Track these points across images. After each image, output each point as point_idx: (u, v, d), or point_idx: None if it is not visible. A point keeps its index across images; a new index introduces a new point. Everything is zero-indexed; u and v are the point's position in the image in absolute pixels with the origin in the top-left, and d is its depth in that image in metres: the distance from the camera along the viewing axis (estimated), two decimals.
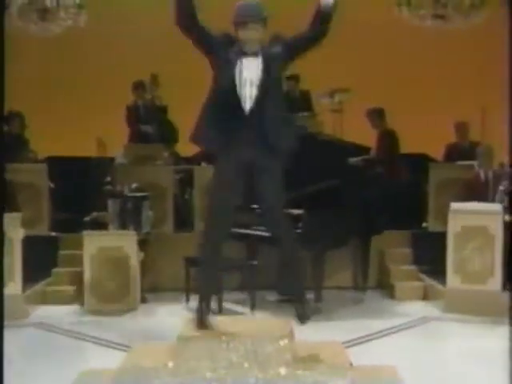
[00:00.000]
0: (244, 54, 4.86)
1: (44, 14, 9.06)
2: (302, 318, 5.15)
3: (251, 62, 4.86)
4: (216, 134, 4.85)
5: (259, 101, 4.82)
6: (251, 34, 4.84)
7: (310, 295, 7.45)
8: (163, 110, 10.64)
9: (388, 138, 9.67)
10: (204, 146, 5.18)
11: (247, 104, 4.83)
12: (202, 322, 4.97)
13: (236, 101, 4.83)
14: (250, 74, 4.84)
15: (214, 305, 7.43)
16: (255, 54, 4.87)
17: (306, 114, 10.22)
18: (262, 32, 4.88)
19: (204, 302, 5.07)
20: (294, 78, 10.64)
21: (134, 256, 7.77)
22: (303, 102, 10.66)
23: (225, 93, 4.85)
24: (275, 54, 4.88)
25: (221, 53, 4.86)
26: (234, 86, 4.82)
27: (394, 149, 9.64)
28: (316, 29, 4.87)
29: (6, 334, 6.62)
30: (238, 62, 4.84)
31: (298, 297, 5.28)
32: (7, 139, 9.91)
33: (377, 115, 9.76)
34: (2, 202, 6.28)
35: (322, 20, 4.84)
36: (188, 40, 4.86)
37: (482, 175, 8.25)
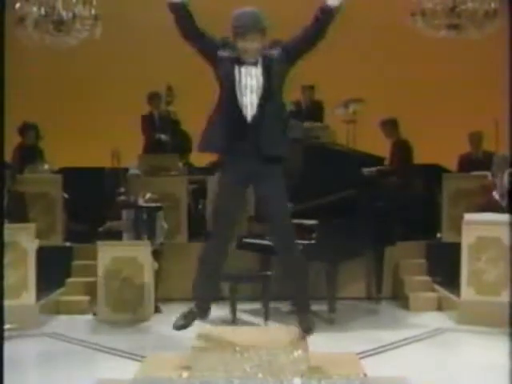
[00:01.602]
0: (243, 63, 4.82)
1: (60, 25, 9.10)
2: (307, 331, 5.01)
3: (251, 70, 4.82)
4: (220, 140, 4.84)
5: (260, 108, 4.81)
6: (250, 45, 4.77)
7: (323, 306, 7.46)
8: (177, 121, 10.68)
9: (401, 149, 9.67)
10: (209, 150, 5.08)
11: (248, 111, 4.82)
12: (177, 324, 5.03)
13: (238, 109, 4.81)
14: (250, 81, 4.81)
15: (227, 315, 7.46)
16: (254, 64, 4.83)
17: (317, 124, 10.23)
18: (261, 41, 4.81)
19: (199, 305, 5.09)
20: (309, 88, 10.66)
21: (148, 266, 7.79)
22: (315, 112, 10.68)
23: (227, 101, 4.84)
24: (275, 60, 4.83)
25: (222, 61, 4.83)
26: (235, 94, 4.80)
27: (407, 159, 9.64)
28: (315, 29, 4.78)
29: (20, 343, 6.69)
30: (237, 71, 4.81)
31: (303, 309, 5.14)
32: (22, 150, 9.99)
33: (390, 126, 9.76)
34: (2, 213, 6.31)
35: (324, 20, 4.74)
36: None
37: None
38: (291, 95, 10.47)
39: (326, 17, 4.75)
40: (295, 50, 4.85)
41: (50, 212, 8.97)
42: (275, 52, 4.86)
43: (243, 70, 4.82)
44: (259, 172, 4.87)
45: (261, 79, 4.82)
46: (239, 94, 4.80)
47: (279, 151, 4.89)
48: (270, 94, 4.83)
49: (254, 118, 4.81)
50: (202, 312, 5.10)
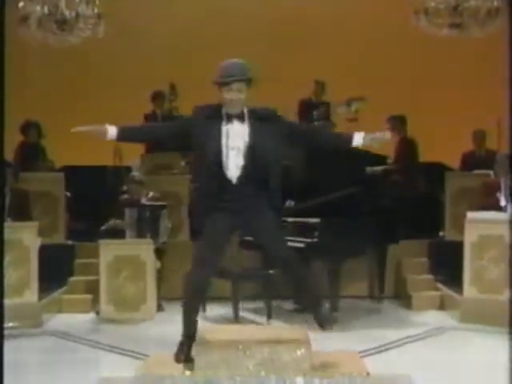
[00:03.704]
0: (229, 116, 4.84)
1: (63, 24, 9.09)
2: (323, 324, 5.15)
3: (237, 127, 4.84)
4: (206, 211, 4.98)
5: (246, 169, 4.84)
6: (236, 95, 4.80)
7: (326, 304, 7.45)
8: (180, 118, 10.66)
9: (407, 147, 9.65)
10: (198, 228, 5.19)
11: (233, 173, 4.84)
12: (180, 357, 5.02)
13: (222, 171, 4.83)
14: (236, 141, 4.82)
15: (230, 313, 7.46)
16: (241, 117, 4.85)
17: (323, 123, 10.24)
18: (246, 93, 4.85)
19: (186, 339, 5.09)
20: (320, 85, 10.62)
21: (151, 264, 7.78)
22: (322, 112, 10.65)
23: (211, 163, 4.83)
24: (267, 124, 4.85)
25: (203, 127, 4.84)
26: (220, 155, 4.81)
27: (412, 157, 9.63)
28: (321, 145, 5.15)
29: (22, 341, 6.69)
30: (224, 128, 4.83)
31: (316, 308, 5.25)
32: (24, 149, 9.99)
33: (399, 122, 9.71)
34: (2, 212, 6.32)
35: (337, 147, 5.17)
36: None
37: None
38: (297, 92, 10.48)
39: (340, 146, 5.13)
40: (300, 137, 5.05)
41: (52, 210, 8.98)
42: (271, 120, 4.89)
43: (230, 126, 4.83)
44: (251, 223, 4.97)
45: (247, 139, 4.83)
46: (225, 154, 4.81)
47: (273, 210, 4.97)
48: (256, 156, 4.83)
49: (240, 179, 4.84)
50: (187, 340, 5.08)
